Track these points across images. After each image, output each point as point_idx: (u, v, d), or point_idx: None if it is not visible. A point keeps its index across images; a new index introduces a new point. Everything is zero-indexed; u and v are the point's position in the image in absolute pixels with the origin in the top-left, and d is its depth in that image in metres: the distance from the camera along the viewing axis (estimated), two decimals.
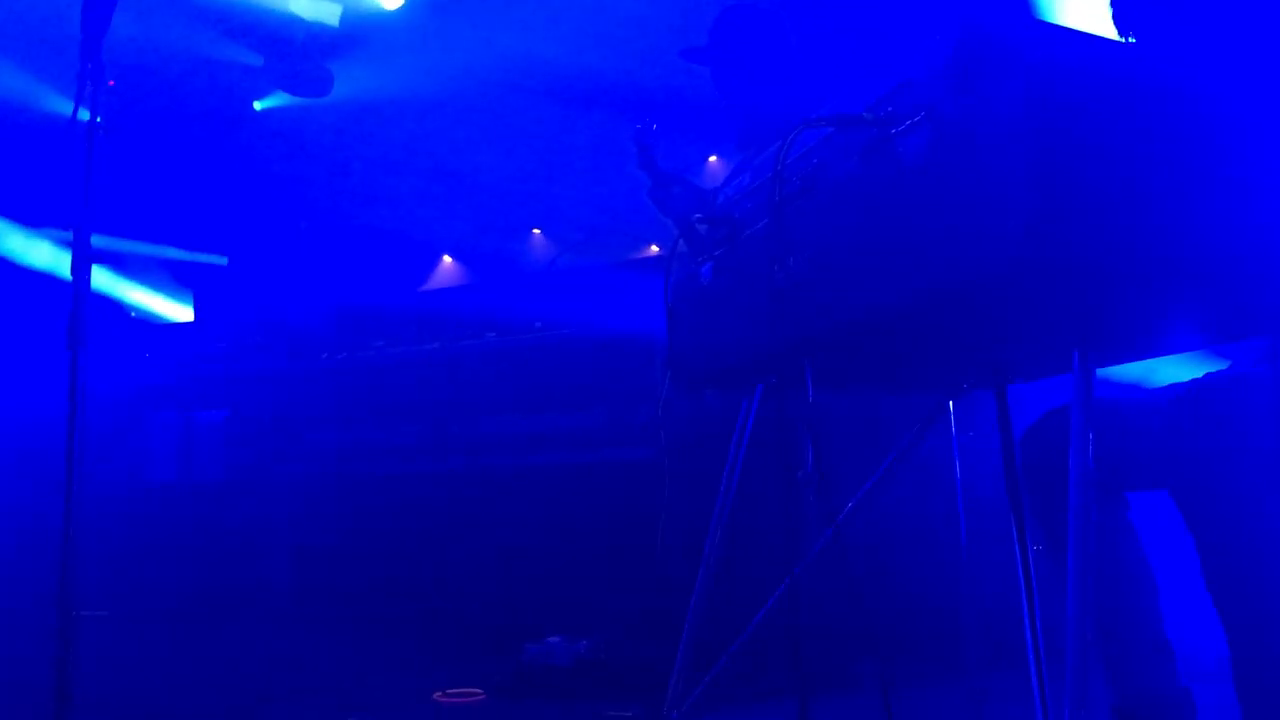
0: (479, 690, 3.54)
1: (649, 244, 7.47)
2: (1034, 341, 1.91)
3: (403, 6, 7.60)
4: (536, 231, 9.51)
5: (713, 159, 5.98)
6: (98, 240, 2.68)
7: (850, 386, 2.57)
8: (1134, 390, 2.26)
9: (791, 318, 1.83)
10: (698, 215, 2.24)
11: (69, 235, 2.59)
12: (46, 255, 8.14)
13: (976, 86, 1.41)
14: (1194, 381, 2.08)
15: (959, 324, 1.71)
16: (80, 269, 2.49)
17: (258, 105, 8.94)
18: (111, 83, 2.73)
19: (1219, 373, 2.09)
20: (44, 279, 8.04)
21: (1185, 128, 1.39)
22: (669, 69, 7.60)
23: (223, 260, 9.11)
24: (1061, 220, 1.30)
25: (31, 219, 7.98)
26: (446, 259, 9.71)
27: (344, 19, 8.00)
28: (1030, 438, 2.27)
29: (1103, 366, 2.06)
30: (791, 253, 1.84)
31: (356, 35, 8.17)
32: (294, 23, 7.96)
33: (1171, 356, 2.13)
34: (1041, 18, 1.54)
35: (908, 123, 1.52)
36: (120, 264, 9.37)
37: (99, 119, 2.53)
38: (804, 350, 1.91)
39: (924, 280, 1.49)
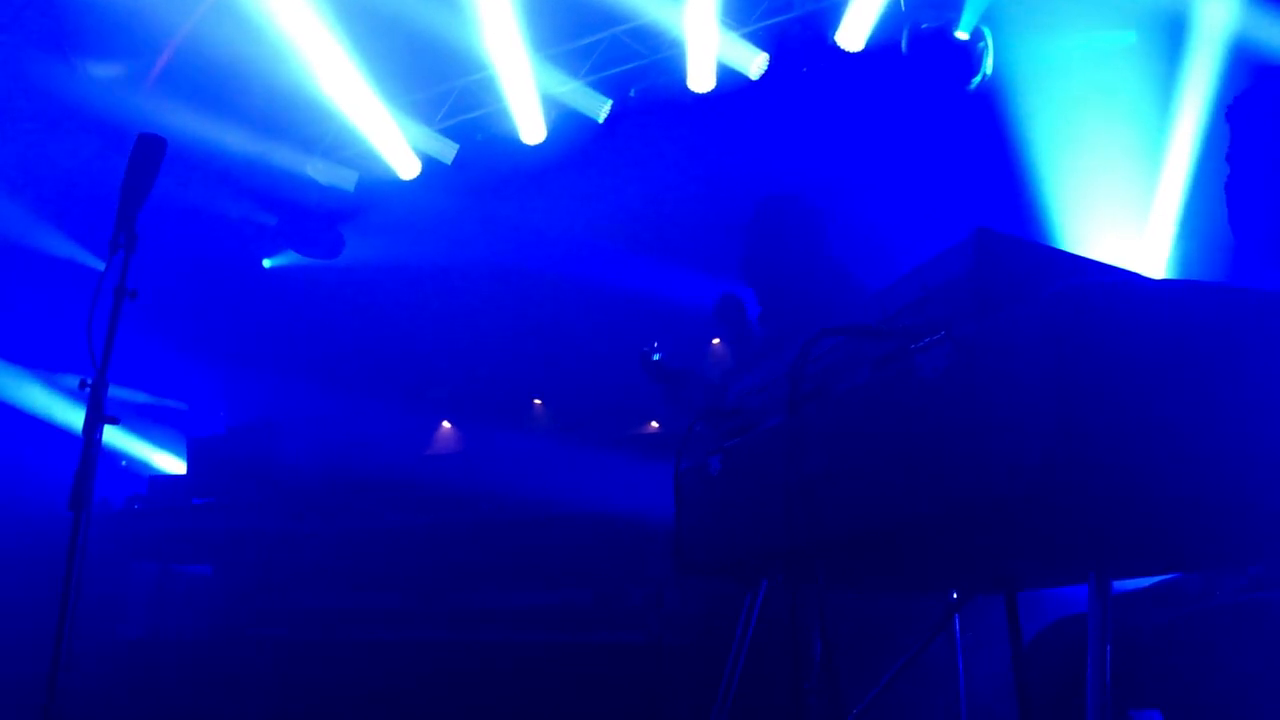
0: None
1: (648, 421, 7.51)
2: (1047, 556, 1.91)
3: (417, 177, 7.81)
4: (538, 402, 9.58)
5: (715, 342, 6.10)
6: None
7: (858, 586, 2.54)
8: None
9: (805, 517, 1.83)
10: (712, 409, 2.27)
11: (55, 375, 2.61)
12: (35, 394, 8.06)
13: (996, 312, 1.46)
14: (1174, 595, 2.10)
15: (973, 537, 1.71)
16: (92, 433, 2.49)
17: (267, 263, 9.10)
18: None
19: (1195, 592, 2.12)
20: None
21: (1204, 360, 1.42)
22: (666, 253, 7.83)
23: (217, 412, 9.11)
24: (1077, 448, 1.31)
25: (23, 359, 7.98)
26: (445, 424, 9.73)
27: (359, 185, 8.24)
28: (1038, 645, 2.24)
29: (1116, 579, 2.06)
30: (806, 453, 1.86)
31: (370, 201, 8.39)
32: (310, 186, 8.19)
33: None
34: (1058, 246, 1.60)
35: (927, 340, 1.55)
36: (116, 411, 9.32)
37: (131, 292, 2.57)
38: (816, 550, 1.90)
39: (940, 494, 1.50)
